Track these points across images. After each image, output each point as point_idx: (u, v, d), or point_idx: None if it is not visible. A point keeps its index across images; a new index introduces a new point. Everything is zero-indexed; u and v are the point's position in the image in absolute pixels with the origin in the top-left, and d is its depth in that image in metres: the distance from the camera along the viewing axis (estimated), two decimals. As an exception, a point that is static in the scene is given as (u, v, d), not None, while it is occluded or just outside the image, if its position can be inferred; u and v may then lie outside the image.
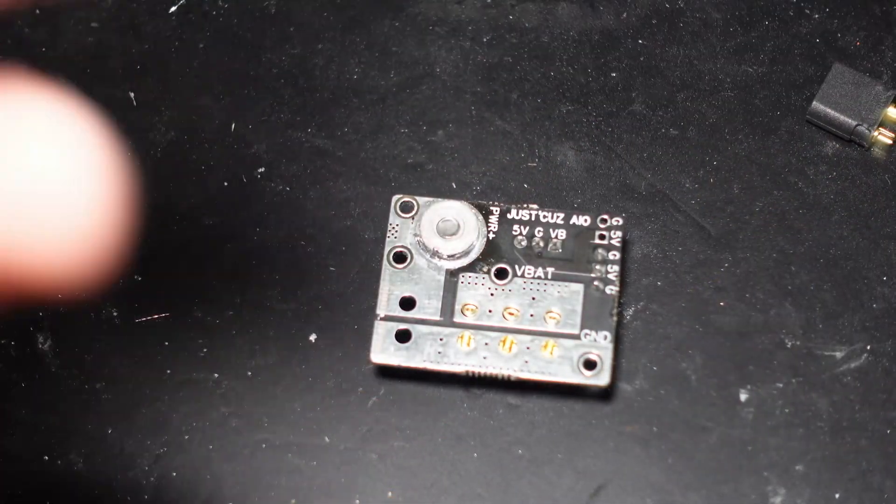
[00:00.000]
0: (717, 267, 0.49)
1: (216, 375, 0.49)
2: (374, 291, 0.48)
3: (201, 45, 0.53)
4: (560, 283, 0.47)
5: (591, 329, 0.46)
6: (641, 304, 0.49)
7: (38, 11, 0.54)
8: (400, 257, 0.48)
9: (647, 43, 0.53)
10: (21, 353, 0.49)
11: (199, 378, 0.49)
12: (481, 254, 0.48)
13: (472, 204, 0.48)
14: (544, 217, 0.48)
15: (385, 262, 0.48)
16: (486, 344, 0.46)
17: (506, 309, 0.47)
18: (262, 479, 0.47)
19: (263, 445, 0.48)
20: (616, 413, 0.48)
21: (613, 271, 0.47)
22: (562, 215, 0.48)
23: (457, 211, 0.48)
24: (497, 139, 0.51)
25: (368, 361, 0.47)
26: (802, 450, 0.47)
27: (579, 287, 0.47)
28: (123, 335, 0.49)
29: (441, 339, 0.47)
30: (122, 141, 0.52)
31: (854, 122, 0.50)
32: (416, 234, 0.48)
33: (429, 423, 0.48)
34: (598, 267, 0.47)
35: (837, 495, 0.46)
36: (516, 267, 0.47)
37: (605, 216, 0.48)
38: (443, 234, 0.47)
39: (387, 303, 0.47)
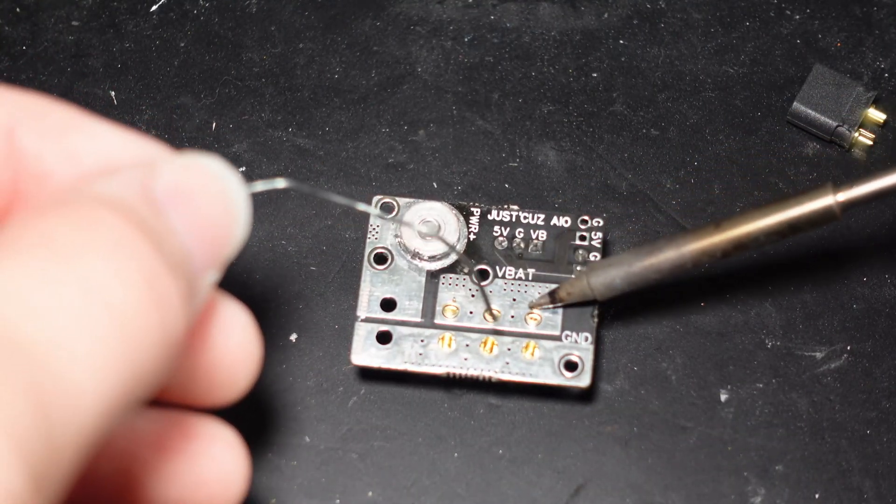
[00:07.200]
0: (698, 267, 0.49)
1: (196, 375, 0.48)
2: (355, 291, 0.48)
3: (182, 44, 0.53)
4: (541, 284, 0.47)
5: (571, 330, 0.46)
6: (622, 304, 0.49)
7: (18, 9, 0.54)
8: (380, 258, 0.48)
9: (628, 43, 0.53)
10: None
11: (180, 378, 0.48)
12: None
13: (453, 205, 0.48)
14: (525, 218, 0.48)
15: (366, 263, 0.47)
16: (467, 345, 0.46)
17: (486, 310, 0.47)
18: (243, 479, 0.47)
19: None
20: (596, 413, 0.48)
21: (594, 272, 0.47)
22: (542, 216, 0.48)
23: (437, 212, 0.48)
24: (478, 139, 0.51)
25: (349, 361, 0.47)
26: (782, 450, 0.47)
27: (560, 288, 0.47)
28: (103, 335, 0.49)
29: (422, 341, 0.46)
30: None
31: (835, 123, 0.50)
32: (396, 235, 0.48)
33: (409, 423, 0.48)
34: (578, 268, 0.47)
35: (817, 495, 0.47)
36: (497, 268, 0.47)
37: (586, 217, 0.48)
38: (423, 235, 0.47)
39: (367, 304, 0.47)
